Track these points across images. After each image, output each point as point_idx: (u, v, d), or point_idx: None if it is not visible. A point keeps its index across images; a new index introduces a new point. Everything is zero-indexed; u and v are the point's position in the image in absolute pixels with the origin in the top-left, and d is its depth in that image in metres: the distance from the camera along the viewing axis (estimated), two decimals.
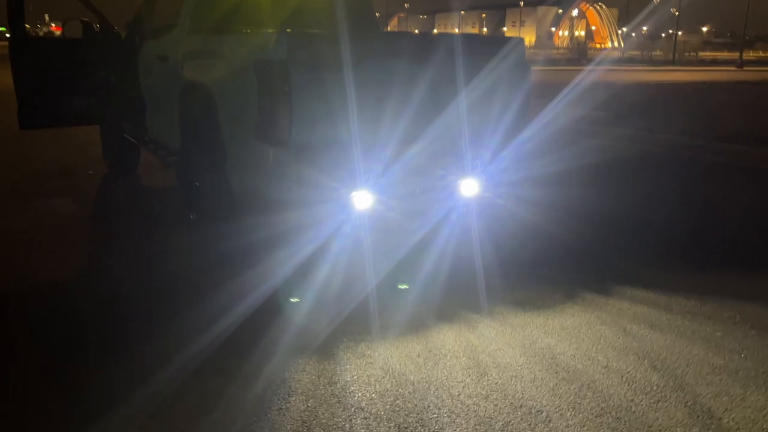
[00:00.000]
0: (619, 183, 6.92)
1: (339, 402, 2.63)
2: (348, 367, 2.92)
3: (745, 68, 40.64)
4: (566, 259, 4.37)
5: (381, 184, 3.60)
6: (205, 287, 3.70)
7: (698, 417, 2.54)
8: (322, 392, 2.70)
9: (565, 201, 5.68)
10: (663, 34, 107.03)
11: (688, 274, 4.16)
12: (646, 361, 2.99)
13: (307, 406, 2.60)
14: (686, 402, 2.65)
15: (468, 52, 3.76)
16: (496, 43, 4.09)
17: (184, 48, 4.58)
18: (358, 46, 3.44)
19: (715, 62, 49.71)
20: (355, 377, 2.83)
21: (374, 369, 2.91)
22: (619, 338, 3.23)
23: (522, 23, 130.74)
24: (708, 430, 2.46)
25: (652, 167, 7.98)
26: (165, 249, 4.51)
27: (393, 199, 3.69)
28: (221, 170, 3.94)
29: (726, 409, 2.60)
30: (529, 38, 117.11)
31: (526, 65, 4.21)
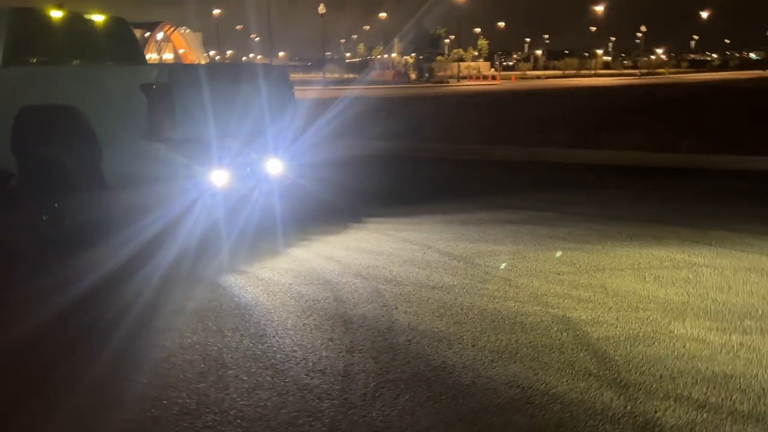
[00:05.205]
0: (362, 168, 9.39)
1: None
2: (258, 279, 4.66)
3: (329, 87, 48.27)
4: (337, 211, 6.66)
5: (228, 164, 5.28)
6: None
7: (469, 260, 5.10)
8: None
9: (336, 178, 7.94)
10: (244, 58, 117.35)
11: (408, 207, 6.89)
12: (407, 243, 5.47)
13: (255, 290, 4.31)
14: (444, 250, 5.20)
15: (263, 74, 5.68)
16: (275, 68, 6.08)
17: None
18: (206, 71, 5.07)
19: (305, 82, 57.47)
20: (255, 289, 4.60)
21: (250, 279, 4.70)
22: (388, 235, 5.67)
23: None
24: (509, 286, 5.03)
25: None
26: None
27: (234, 175, 5.39)
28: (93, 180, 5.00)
29: (470, 251, 5.23)
30: None
31: (290, 82, 6.30)
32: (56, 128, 5.17)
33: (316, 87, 37.13)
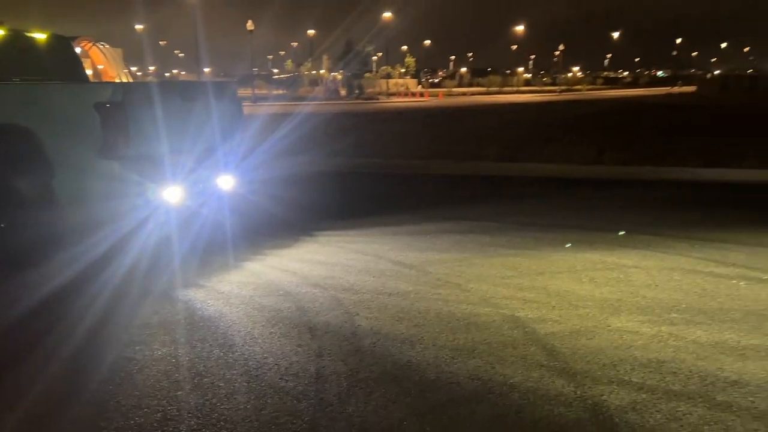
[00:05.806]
0: (308, 184, 9.48)
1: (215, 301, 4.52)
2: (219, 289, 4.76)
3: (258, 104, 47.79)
4: (287, 225, 6.77)
5: (181, 181, 5.35)
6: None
7: (410, 268, 5.35)
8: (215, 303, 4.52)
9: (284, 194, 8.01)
10: (167, 74, 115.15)
11: (356, 220, 7.09)
12: (359, 254, 5.68)
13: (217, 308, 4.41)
14: (388, 256, 5.44)
15: (213, 91, 5.79)
16: (225, 85, 6.19)
17: None
18: (159, 90, 5.15)
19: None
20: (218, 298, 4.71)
21: (210, 293, 4.81)
22: (340, 247, 5.86)
23: None
24: (460, 291, 5.28)
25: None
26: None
27: (187, 191, 5.46)
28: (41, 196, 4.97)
29: (420, 261, 5.49)
30: None
31: (239, 99, 6.42)
32: (3, 148, 5.10)
33: (245, 103, 37.01)
